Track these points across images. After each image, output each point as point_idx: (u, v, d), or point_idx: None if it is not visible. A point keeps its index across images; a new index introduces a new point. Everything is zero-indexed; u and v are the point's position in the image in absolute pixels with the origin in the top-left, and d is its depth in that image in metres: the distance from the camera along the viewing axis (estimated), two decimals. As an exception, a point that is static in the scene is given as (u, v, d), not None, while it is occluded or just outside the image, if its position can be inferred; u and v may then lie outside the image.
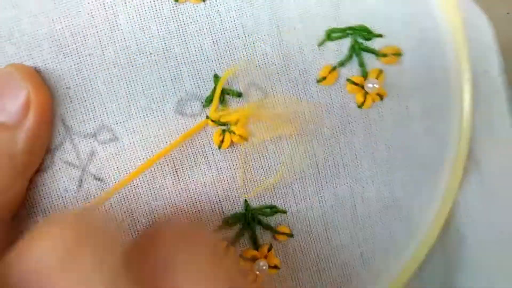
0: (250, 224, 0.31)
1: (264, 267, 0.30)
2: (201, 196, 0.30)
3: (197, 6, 0.29)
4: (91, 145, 0.29)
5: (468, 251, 0.35)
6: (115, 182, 0.29)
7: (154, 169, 0.29)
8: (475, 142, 0.35)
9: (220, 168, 0.30)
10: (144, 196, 0.29)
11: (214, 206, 0.30)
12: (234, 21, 0.29)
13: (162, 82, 0.29)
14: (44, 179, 0.28)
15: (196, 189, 0.30)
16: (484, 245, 0.35)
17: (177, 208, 0.30)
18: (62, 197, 0.28)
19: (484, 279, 0.35)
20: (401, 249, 0.33)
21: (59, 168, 0.28)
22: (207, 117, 0.29)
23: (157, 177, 0.29)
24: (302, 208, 0.31)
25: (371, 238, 0.33)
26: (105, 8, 0.28)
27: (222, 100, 0.29)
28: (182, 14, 0.29)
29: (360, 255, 0.33)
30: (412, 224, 0.34)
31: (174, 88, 0.29)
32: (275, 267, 0.31)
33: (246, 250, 0.31)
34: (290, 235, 0.31)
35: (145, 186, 0.29)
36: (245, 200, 0.31)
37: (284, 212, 0.31)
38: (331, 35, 0.31)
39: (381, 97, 0.31)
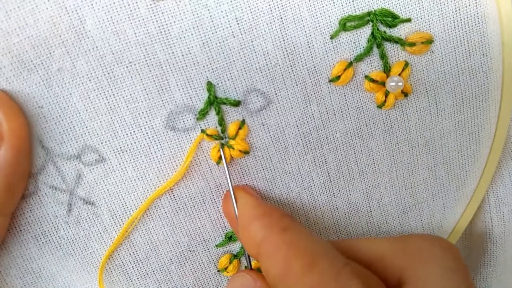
0: (255, 238, 0.29)
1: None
2: (201, 213, 0.28)
3: (180, 2, 0.23)
4: (76, 168, 0.26)
5: (494, 246, 0.32)
6: (108, 206, 0.26)
7: (148, 190, 0.26)
8: (510, 131, 0.30)
9: (220, 184, 0.27)
10: (139, 217, 0.27)
11: (215, 221, 0.28)
12: (227, 15, 0.24)
13: (147, 94, 0.25)
14: (31, 205, 0.26)
15: (194, 206, 0.27)
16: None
17: (175, 226, 0.27)
18: (53, 223, 0.26)
19: (510, 276, 0.33)
20: (419, 250, 0.31)
21: (45, 193, 0.26)
22: (202, 131, 0.26)
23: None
24: (312, 218, 0.29)
25: (387, 242, 0.31)
26: (67, 13, 0.23)
27: (217, 111, 0.25)
28: (162, 13, 0.23)
29: (375, 258, 0.31)
30: (433, 224, 0.31)
31: (162, 100, 0.25)
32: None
33: (254, 262, 0.29)
34: (299, 246, 0.29)
35: (140, 207, 0.27)
36: (249, 214, 0.28)
37: (292, 224, 0.29)
38: (347, 24, 0.25)
39: (405, 94, 0.27)
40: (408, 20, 0.25)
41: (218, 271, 0.29)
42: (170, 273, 0.29)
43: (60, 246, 0.27)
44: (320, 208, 0.29)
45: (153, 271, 0.28)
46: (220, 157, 0.26)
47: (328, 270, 0.21)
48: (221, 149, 0.26)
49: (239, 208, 0.25)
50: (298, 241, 0.23)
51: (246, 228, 0.24)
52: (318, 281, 0.21)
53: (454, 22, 0.26)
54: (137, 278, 0.28)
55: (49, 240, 0.27)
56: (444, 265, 0.23)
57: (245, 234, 0.24)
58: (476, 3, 0.26)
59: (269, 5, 0.24)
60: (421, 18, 0.25)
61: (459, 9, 0.26)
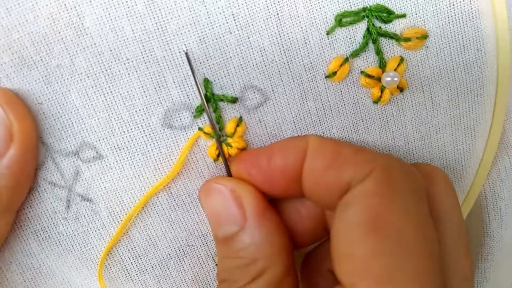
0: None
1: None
2: (198, 209, 0.28)
3: (177, -2, 0.24)
4: (74, 164, 0.26)
5: (492, 240, 0.32)
6: (105, 203, 0.27)
7: (145, 188, 0.27)
8: (508, 125, 0.30)
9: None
10: (137, 214, 0.27)
11: (214, 217, 0.28)
12: (224, 12, 0.24)
13: (144, 91, 0.25)
14: (31, 201, 0.26)
15: (192, 203, 0.28)
16: (510, 237, 0.32)
17: (173, 222, 0.28)
18: (52, 219, 0.27)
19: (508, 270, 0.33)
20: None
21: (44, 189, 0.26)
22: (200, 128, 0.26)
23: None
24: (309, 214, 0.29)
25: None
26: (67, 10, 0.23)
27: (215, 109, 0.26)
28: (159, 9, 0.24)
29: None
30: (430, 219, 0.31)
31: (159, 97, 0.25)
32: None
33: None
34: (297, 241, 0.30)
35: (136, 204, 0.27)
36: (247, 210, 0.28)
37: (290, 219, 0.29)
38: (343, 20, 0.25)
39: (401, 89, 0.27)
40: (403, 15, 0.26)
41: (217, 265, 0.29)
42: (169, 268, 0.29)
43: (59, 241, 0.27)
44: (318, 204, 0.29)
45: (152, 267, 0.29)
46: (218, 155, 0.26)
47: (377, 154, 0.24)
48: (218, 145, 0.26)
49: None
50: (341, 141, 0.26)
51: (287, 146, 0.25)
52: (370, 158, 0.23)
53: (448, 18, 0.26)
54: (136, 274, 0.28)
55: (48, 235, 0.27)
56: (448, 188, 0.25)
57: (286, 153, 0.25)
58: (470, -2, 0.26)
59: (266, 1, 0.24)
60: (416, 14, 0.26)
61: (453, 4, 0.26)
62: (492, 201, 0.32)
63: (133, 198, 0.27)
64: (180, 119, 0.26)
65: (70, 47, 0.24)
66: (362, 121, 0.27)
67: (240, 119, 0.26)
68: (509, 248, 0.33)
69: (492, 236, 0.32)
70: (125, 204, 0.27)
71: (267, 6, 0.24)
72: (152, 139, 0.26)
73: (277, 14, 0.25)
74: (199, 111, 0.26)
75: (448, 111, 0.28)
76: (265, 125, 0.26)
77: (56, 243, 0.27)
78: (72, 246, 0.27)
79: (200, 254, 0.29)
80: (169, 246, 0.28)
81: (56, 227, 0.27)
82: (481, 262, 0.33)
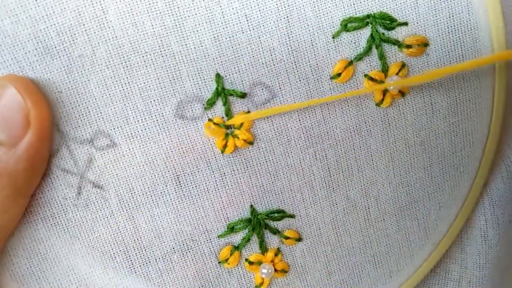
0: (256, 229, 0.29)
1: (268, 271, 0.30)
2: (204, 202, 0.29)
3: (195, -2, 0.26)
4: (88, 152, 0.27)
5: (490, 248, 0.33)
6: (116, 190, 0.28)
7: (155, 175, 0.28)
8: (504, 133, 0.31)
9: (224, 174, 0.28)
10: (145, 203, 0.28)
11: (218, 212, 0.29)
12: (237, 12, 0.26)
13: (160, 83, 0.26)
14: (42, 187, 0.27)
15: (198, 195, 0.28)
16: (509, 245, 0.33)
17: (179, 214, 0.28)
18: (62, 205, 0.27)
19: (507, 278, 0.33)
20: (415, 250, 0.32)
21: (57, 176, 0.27)
22: (209, 120, 0.27)
23: (158, 184, 0.28)
24: (311, 212, 0.30)
25: (385, 240, 0.31)
26: (92, 4, 0.25)
27: (224, 102, 0.27)
28: (178, 7, 0.26)
29: (372, 256, 0.31)
30: (429, 224, 0.32)
31: (173, 89, 0.27)
32: (283, 270, 0.30)
33: (252, 254, 0.30)
34: (299, 239, 0.30)
35: (146, 192, 0.28)
36: (251, 206, 0.29)
37: (292, 216, 0.30)
38: (348, 25, 0.27)
39: (402, 93, 0.28)
40: (405, 23, 0.27)
41: (219, 262, 0.30)
42: (172, 262, 0.29)
43: (67, 228, 0.28)
44: (320, 203, 0.30)
45: (156, 259, 0.29)
46: (225, 146, 0.27)
47: None
48: None
49: None
50: None
51: None
52: None
53: (448, 28, 0.28)
54: (140, 266, 0.29)
55: (57, 222, 0.28)
56: None
57: None
58: (468, 11, 0.28)
59: (277, 4, 0.26)
60: (417, 23, 0.27)
61: (453, 16, 0.28)
62: (490, 209, 0.32)
63: (142, 185, 0.28)
64: (192, 110, 0.27)
65: (93, 39, 0.25)
66: (365, 123, 0.29)
67: (248, 113, 0.27)
68: (508, 257, 0.33)
69: (490, 244, 0.33)
70: (134, 192, 0.28)
71: (278, 9, 0.26)
72: (164, 128, 0.27)
73: (287, 17, 0.26)
74: (210, 103, 0.27)
75: (447, 118, 0.29)
76: (272, 121, 0.28)
77: (64, 229, 0.28)
78: (80, 233, 0.28)
79: (203, 250, 0.30)
80: (174, 239, 0.29)
81: (65, 214, 0.28)
82: (479, 270, 0.34)
